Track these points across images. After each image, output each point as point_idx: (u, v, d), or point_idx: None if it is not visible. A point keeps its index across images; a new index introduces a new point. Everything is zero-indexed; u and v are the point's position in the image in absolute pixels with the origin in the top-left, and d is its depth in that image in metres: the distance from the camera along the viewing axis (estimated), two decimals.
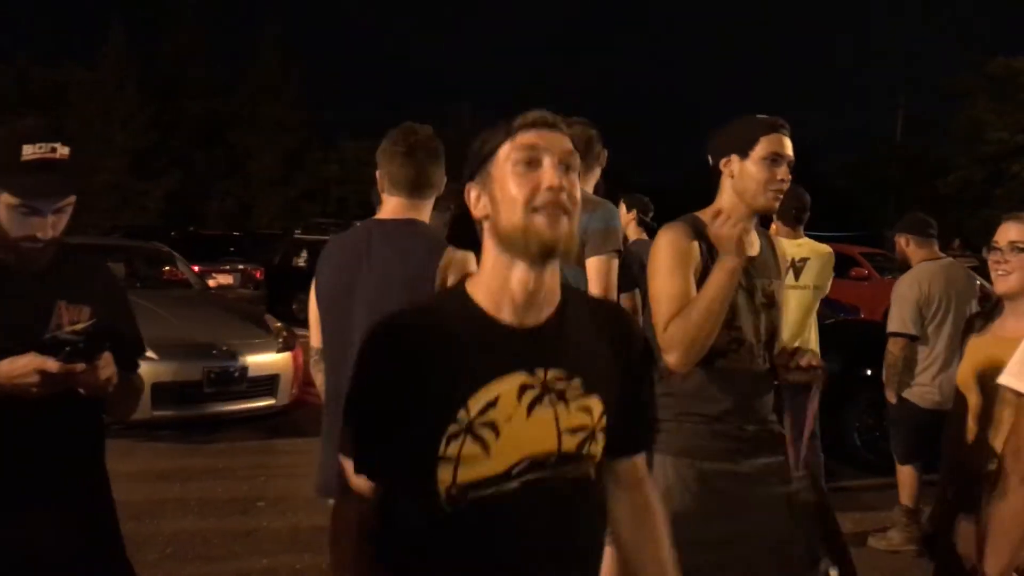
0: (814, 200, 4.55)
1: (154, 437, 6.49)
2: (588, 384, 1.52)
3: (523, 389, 1.46)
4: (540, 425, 1.47)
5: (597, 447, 1.53)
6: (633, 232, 5.01)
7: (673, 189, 24.59)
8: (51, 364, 1.72)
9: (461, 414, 1.42)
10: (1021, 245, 2.54)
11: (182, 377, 6.58)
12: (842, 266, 9.04)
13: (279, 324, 7.69)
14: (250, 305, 9.87)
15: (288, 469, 5.97)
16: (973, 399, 2.59)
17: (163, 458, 6.11)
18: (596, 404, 1.53)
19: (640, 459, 1.70)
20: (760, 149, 2.34)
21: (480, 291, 1.50)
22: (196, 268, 10.53)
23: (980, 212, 27.38)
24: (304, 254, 14.84)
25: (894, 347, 4.65)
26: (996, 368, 2.53)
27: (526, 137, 1.46)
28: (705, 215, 2.40)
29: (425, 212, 2.52)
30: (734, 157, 2.38)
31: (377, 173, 2.56)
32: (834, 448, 5.69)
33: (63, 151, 1.82)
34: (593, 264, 3.02)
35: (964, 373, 2.64)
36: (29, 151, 1.78)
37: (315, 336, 2.58)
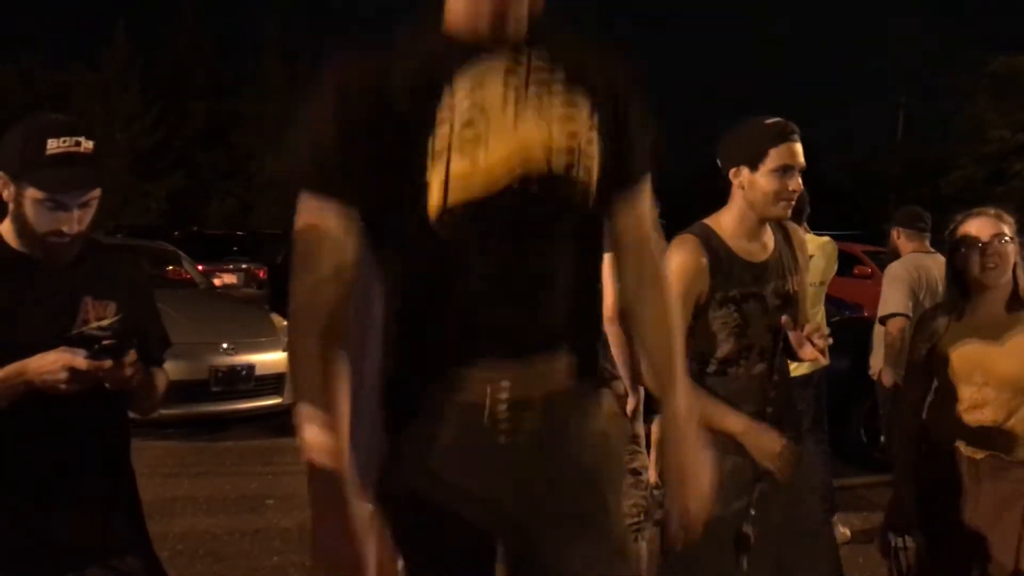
0: (816, 199, 4.58)
1: (162, 436, 6.50)
2: (572, 78, 1.45)
3: (508, 73, 1.40)
4: (530, 120, 1.40)
5: (588, 158, 1.45)
6: None
7: (678, 189, 24.60)
8: (80, 361, 1.73)
9: (442, 113, 1.36)
10: (1006, 237, 2.59)
11: (189, 376, 6.58)
12: (845, 264, 9.06)
13: (285, 323, 7.69)
14: (257, 304, 9.88)
15: (296, 467, 5.92)
16: (967, 391, 2.61)
17: (171, 456, 6.13)
18: (583, 100, 1.46)
19: (641, 211, 1.59)
20: (770, 162, 2.30)
21: (451, 14, 1.43)
22: (200, 267, 10.54)
23: None
24: None
25: (893, 328, 4.61)
26: (988, 354, 2.57)
27: None
28: (716, 223, 2.40)
29: None
30: (744, 169, 2.35)
31: None
32: (840, 446, 5.71)
33: (87, 144, 1.83)
34: (607, 260, 3.05)
35: (951, 361, 2.65)
36: (53, 145, 1.79)
37: None
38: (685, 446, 1.56)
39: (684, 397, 1.58)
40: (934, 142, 34.11)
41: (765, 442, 2.30)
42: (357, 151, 1.36)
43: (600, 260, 1.65)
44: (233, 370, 6.81)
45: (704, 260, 2.32)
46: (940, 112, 33.06)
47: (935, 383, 2.74)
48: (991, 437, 2.55)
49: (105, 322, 1.84)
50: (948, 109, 31.91)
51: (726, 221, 2.39)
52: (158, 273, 9.01)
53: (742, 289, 2.33)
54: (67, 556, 1.88)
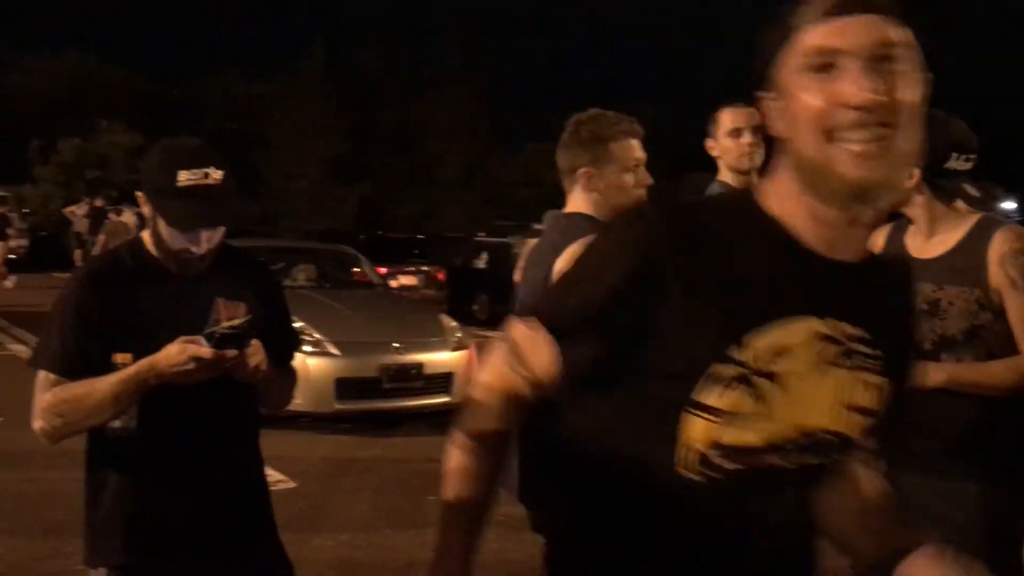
0: None
1: (336, 430, 6.81)
2: (887, 359, 1.20)
3: (816, 338, 1.14)
4: (827, 392, 1.16)
5: (872, 439, 1.25)
6: None
7: None
8: (205, 351, 1.83)
9: (732, 351, 1.12)
10: None
11: (362, 373, 6.90)
12: None
13: (454, 323, 7.89)
14: (427, 305, 10.19)
15: None
16: None
17: (343, 449, 6.39)
18: (887, 386, 1.21)
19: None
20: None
21: (774, 201, 1.17)
22: (383, 270, 10.97)
23: None
24: (484, 256, 15.16)
25: None
26: None
27: (819, 31, 1.09)
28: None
29: (573, 199, 2.46)
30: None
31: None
32: None
33: (215, 175, 1.91)
34: None
35: None
36: (184, 177, 1.89)
37: None
38: None
39: None
40: None
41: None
42: (618, 324, 1.16)
43: None
44: (403, 368, 7.03)
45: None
46: None
47: None
48: None
49: (236, 321, 1.93)
50: None
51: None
52: (339, 275, 9.45)
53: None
54: (195, 536, 1.98)
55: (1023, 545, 2.35)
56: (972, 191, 2.47)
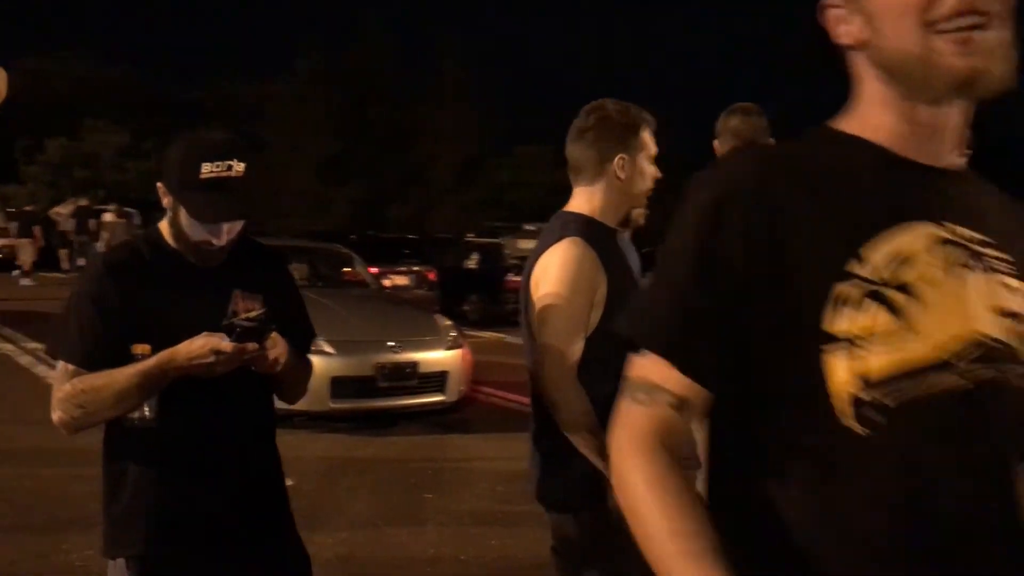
0: None
1: (332, 429, 6.81)
2: (1019, 264, 1.12)
3: (938, 243, 1.06)
4: (973, 296, 1.05)
5: None
6: None
7: None
8: (225, 344, 1.85)
9: (853, 266, 1.03)
10: None
11: (357, 372, 6.90)
12: None
13: (448, 323, 7.90)
14: (421, 305, 10.21)
15: (456, 463, 6.13)
16: None
17: (339, 448, 6.40)
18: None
19: None
20: None
21: (854, 124, 1.14)
22: (374, 270, 10.96)
23: None
24: (475, 257, 15.18)
25: None
26: None
27: None
28: None
29: (578, 199, 2.36)
30: None
31: None
32: None
33: (238, 168, 1.92)
34: None
35: None
36: (207, 169, 1.90)
37: None
38: None
39: None
40: None
41: None
42: (722, 307, 1.05)
43: None
44: (398, 367, 7.05)
45: None
46: None
47: None
48: None
49: (253, 313, 1.95)
50: None
51: None
52: (332, 274, 9.46)
53: None
54: (215, 528, 2.00)
55: None
56: None
